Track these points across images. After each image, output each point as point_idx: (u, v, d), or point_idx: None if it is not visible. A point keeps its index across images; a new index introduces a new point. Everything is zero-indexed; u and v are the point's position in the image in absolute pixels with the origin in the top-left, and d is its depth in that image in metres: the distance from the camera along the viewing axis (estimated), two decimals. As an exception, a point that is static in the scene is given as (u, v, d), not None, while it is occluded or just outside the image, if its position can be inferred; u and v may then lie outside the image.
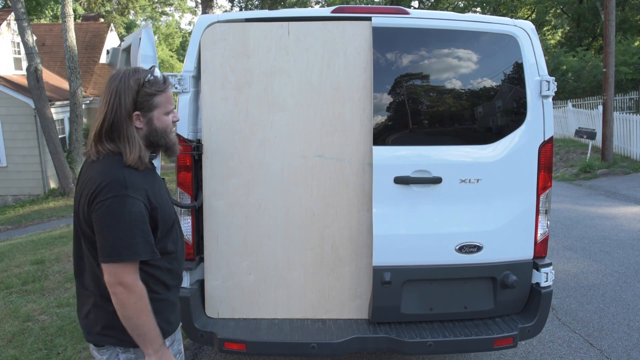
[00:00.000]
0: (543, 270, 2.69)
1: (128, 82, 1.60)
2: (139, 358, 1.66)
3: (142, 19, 39.40)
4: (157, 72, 1.66)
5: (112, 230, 1.51)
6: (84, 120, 16.73)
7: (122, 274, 1.52)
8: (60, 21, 18.62)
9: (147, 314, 1.56)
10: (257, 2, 25.70)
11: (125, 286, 1.52)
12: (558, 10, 29.08)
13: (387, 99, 2.62)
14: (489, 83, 2.68)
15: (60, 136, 15.28)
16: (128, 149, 1.60)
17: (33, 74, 13.74)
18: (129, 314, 1.54)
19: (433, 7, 30.54)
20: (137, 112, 1.62)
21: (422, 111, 2.69)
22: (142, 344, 1.57)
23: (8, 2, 20.52)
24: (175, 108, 1.78)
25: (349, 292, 2.70)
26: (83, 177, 1.64)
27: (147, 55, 2.53)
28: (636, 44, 22.90)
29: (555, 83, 2.70)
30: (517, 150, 2.66)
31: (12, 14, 14.63)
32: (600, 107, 12.84)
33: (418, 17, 2.61)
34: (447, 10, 17.65)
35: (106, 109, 1.60)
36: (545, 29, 30.05)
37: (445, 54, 2.63)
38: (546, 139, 2.68)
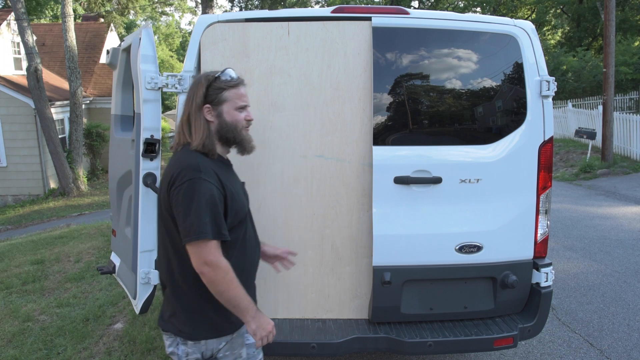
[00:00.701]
0: (543, 270, 2.69)
1: (201, 78, 1.82)
2: (194, 353, 1.74)
3: (142, 19, 39.40)
4: (230, 71, 1.85)
5: (187, 211, 1.63)
6: (84, 120, 16.73)
7: (204, 253, 1.62)
8: (60, 21, 18.63)
9: (236, 286, 1.66)
10: (257, 2, 25.71)
11: (210, 264, 1.62)
12: (558, 10, 29.09)
13: (387, 99, 2.62)
14: (489, 83, 2.68)
15: (60, 136, 15.28)
16: (194, 135, 1.76)
17: (33, 74, 13.74)
18: (220, 289, 1.64)
19: (433, 7, 30.55)
20: (207, 105, 1.79)
21: (422, 111, 2.69)
22: (240, 314, 1.69)
23: (8, 2, 20.52)
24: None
25: (349, 292, 2.70)
26: (166, 168, 1.79)
27: (147, 55, 2.53)
28: (636, 44, 22.90)
29: (555, 83, 2.70)
30: (517, 150, 2.66)
31: (12, 14, 14.63)
32: (600, 107, 12.85)
33: (418, 17, 2.61)
34: (447, 10, 17.66)
35: (186, 103, 1.82)
36: (545, 29, 30.06)
37: (445, 54, 2.63)
38: (546, 139, 2.68)
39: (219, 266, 1.63)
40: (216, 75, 1.82)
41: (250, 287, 1.86)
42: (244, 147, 1.89)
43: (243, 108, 1.84)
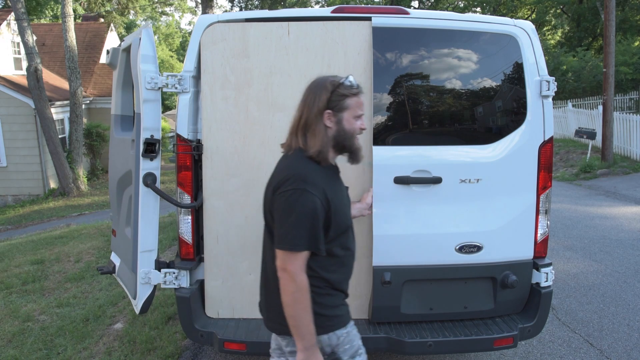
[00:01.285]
0: (543, 270, 2.69)
1: (325, 83, 1.79)
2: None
3: (142, 19, 39.39)
4: (352, 78, 1.82)
5: (285, 220, 1.66)
6: (84, 120, 16.73)
7: (288, 261, 1.66)
8: (60, 21, 18.62)
9: (304, 308, 1.66)
10: (257, 2, 25.70)
11: (289, 273, 1.65)
12: (558, 10, 29.08)
13: (387, 99, 2.62)
14: (489, 83, 2.68)
15: (60, 136, 15.28)
16: (311, 141, 1.76)
17: (33, 74, 13.74)
18: (287, 301, 1.66)
19: (433, 7, 30.54)
20: (328, 111, 1.77)
21: (422, 111, 2.69)
22: (295, 336, 1.69)
23: (8, 2, 20.51)
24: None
25: (349, 292, 2.69)
26: (275, 170, 1.82)
27: (147, 55, 2.53)
28: (636, 44, 22.91)
29: (555, 83, 2.70)
30: (517, 150, 2.66)
31: (12, 14, 14.63)
32: (600, 107, 12.84)
33: (418, 17, 2.61)
34: (447, 10, 17.66)
35: (303, 106, 1.80)
36: (545, 29, 30.06)
37: (445, 54, 2.63)
38: (546, 139, 2.68)
39: (295, 280, 1.64)
40: (340, 81, 1.79)
41: (345, 294, 1.90)
42: (357, 156, 1.88)
43: (359, 117, 1.83)
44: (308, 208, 1.65)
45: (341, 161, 2.63)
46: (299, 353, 1.68)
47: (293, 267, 1.65)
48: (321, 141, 1.75)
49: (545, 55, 3.99)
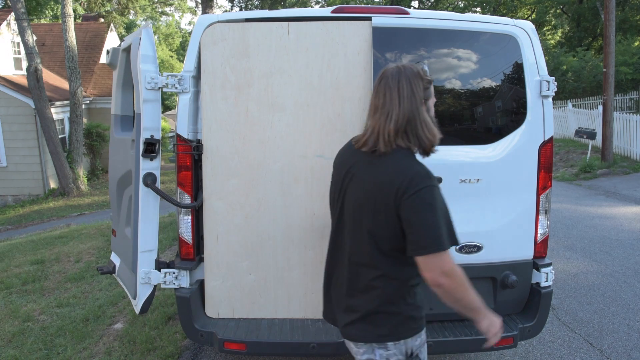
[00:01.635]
0: (543, 270, 2.69)
1: (415, 71, 1.63)
2: (395, 355, 1.67)
3: (142, 19, 39.40)
4: (424, 65, 1.72)
5: (428, 221, 1.53)
6: (84, 120, 16.73)
7: (442, 262, 1.54)
8: (60, 21, 18.63)
9: (469, 288, 1.59)
10: (257, 2, 25.70)
11: (448, 274, 1.54)
12: (558, 10, 29.09)
13: (387, 99, 2.61)
14: (489, 83, 2.68)
15: (60, 136, 15.28)
16: (428, 133, 1.64)
17: (33, 74, 13.75)
18: (458, 297, 1.58)
19: (433, 7, 30.55)
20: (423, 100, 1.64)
21: (422, 111, 2.68)
22: (473, 314, 1.64)
23: (8, 2, 20.51)
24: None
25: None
26: (369, 171, 1.65)
27: (147, 55, 2.53)
28: (636, 44, 22.91)
29: (555, 83, 2.70)
30: (517, 150, 2.66)
31: (12, 14, 14.63)
32: (600, 107, 12.84)
33: (418, 17, 2.61)
34: (447, 10, 17.66)
35: (399, 101, 1.61)
36: (545, 29, 30.06)
37: (445, 54, 2.63)
38: (546, 139, 2.68)
39: (456, 273, 1.55)
40: (422, 67, 1.68)
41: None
42: (434, 147, 1.73)
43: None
44: (441, 203, 1.57)
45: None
46: (481, 323, 1.65)
47: (449, 265, 1.54)
48: (436, 130, 1.65)
49: (545, 55, 3.99)
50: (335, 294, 1.81)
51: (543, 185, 2.69)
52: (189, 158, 2.59)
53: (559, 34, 31.03)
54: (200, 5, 21.69)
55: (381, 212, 1.59)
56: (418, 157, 1.71)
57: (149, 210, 2.59)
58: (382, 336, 1.67)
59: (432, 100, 1.71)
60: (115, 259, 3.28)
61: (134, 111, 3.06)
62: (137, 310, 2.68)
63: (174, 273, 2.63)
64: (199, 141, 2.63)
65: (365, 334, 1.68)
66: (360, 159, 1.70)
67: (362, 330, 1.68)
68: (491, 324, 1.66)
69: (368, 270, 1.66)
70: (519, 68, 2.66)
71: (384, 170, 1.61)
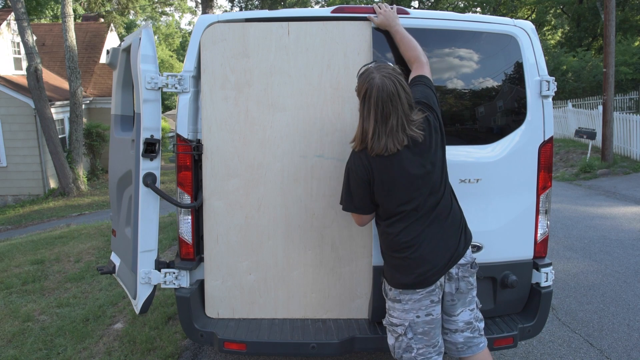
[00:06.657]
0: (543, 270, 2.69)
1: (396, 70, 2.11)
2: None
3: (142, 19, 39.41)
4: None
5: None
6: (84, 120, 16.74)
7: None
8: (60, 21, 18.64)
9: None
10: (257, 2, 25.72)
11: None
12: (558, 10, 29.10)
13: (387, 99, 2.61)
14: (489, 83, 2.68)
15: (60, 136, 15.30)
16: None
17: (33, 74, 13.76)
18: None
19: (433, 7, 30.56)
20: None
21: (422, 111, 2.68)
22: None
23: (8, 2, 20.51)
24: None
25: (349, 292, 2.70)
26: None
27: (147, 55, 2.53)
28: (636, 44, 22.92)
29: (555, 83, 2.70)
30: (517, 150, 2.66)
31: (12, 14, 14.65)
32: (600, 107, 12.85)
33: (418, 17, 2.61)
34: (447, 10, 17.66)
35: (407, 95, 2.09)
36: (545, 29, 30.08)
37: (445, 54, 2.63)
38: (546, 138, 2.68)
39: None
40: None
41: None
42: None
43: None
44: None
45: (341, 161, 2.64)
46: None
47: None
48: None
49: (545, 55, 3.99)
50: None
51: (543, 185, 2.69)
52: (189, 158, 2.59)
53: (559, 34, 31.04)
54: (200, 5, 21.69)
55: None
56: None
57: (149, 210, 2.59)
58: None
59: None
60: (115, 259, 3.28)
61: (134, 111, 3.06)
62: (137, 310, 2.68)
63: (174, 273, 2.63)
64: (199, 141, 2.63)
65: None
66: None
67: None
68: None
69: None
70: (519, 68, 2.66)
71: None
